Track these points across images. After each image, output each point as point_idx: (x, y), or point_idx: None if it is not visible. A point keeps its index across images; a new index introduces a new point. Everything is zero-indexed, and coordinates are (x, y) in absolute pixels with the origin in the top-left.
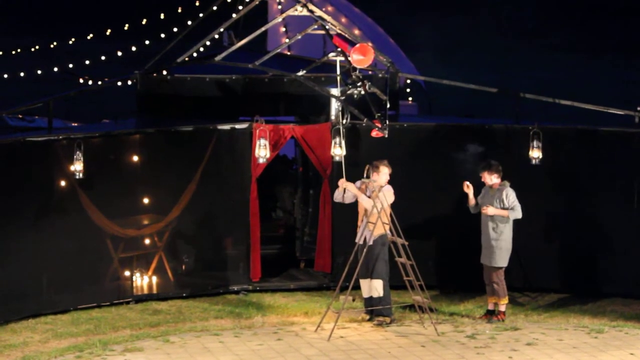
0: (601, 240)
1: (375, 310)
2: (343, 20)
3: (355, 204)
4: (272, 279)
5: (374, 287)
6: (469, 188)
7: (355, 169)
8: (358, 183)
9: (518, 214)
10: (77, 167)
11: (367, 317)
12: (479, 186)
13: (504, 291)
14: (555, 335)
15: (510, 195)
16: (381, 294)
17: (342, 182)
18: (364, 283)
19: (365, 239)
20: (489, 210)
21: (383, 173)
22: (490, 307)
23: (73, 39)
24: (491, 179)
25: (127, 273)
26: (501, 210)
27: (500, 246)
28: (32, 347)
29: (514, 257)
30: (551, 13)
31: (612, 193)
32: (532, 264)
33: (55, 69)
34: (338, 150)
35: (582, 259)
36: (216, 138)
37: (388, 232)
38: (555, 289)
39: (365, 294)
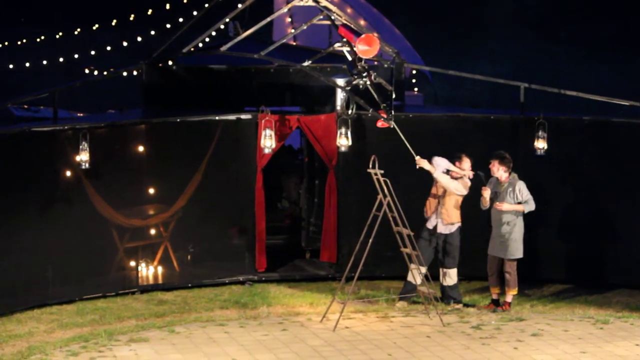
0: (607, 231)
1: (450, 296)
2: (348, 10)
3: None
4: (278, 269)
5: (451, 276)
6: (485, 191)
7: (361, 160)
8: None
9: (532, 206)
10: (83, 157)
11: (404, 303)
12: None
13: (515, 282)
14: (560, 326)
15: (523, 190)
16: (456, 281)
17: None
18: (421, 270)
19: (436, 226)
20: (504, 206)
21: (465, 162)
22: (494, 296)
23: (78, 29)
24: (499, 169)
25: (132, 263)
26: (516, 205)
27: (515, 238)
28: (37, 337)
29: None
30: (556, 5)
31: (618, 183)
32: (538, 254)
33: (61, 59)
34: (344, 141)
35: (588, 250)
36: (222, 128)
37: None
38: (561, 280)
39: (420, 282)
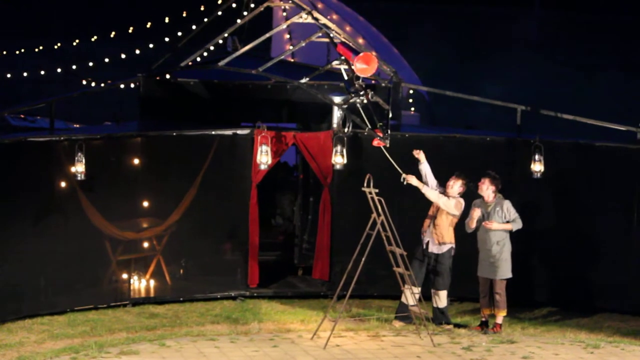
0: (600, 256)
1: (443, 319)
2: (347, 29)
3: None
4: (270, 285)
5: (440, 298)
6: (475, 211)
7: (356, 178)
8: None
9: (520, 224)
10: (78, 168)
11: (402, 324)
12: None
13: (504, 303)
14: (551, 349)
15: (510, 208)
16: (446, 304)
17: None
18: (413, 290)
19: (428, 244)
20: (494, 225)
21: (456, 182)
22: (484, 319)
23: (77, 41)
24: (489, 188)
25: (124, 276)
26: (505, 224)
27: (504, 258)
28: (27, 348)
29: (513, 270)
30: (555, 28)
31: (612, 208)
32: (530, 277)
33: (59, 70)
34: (339, 159)
35: (580, 274)
36: (218, 143)
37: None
38: (553, 303)
39: (412, 302)
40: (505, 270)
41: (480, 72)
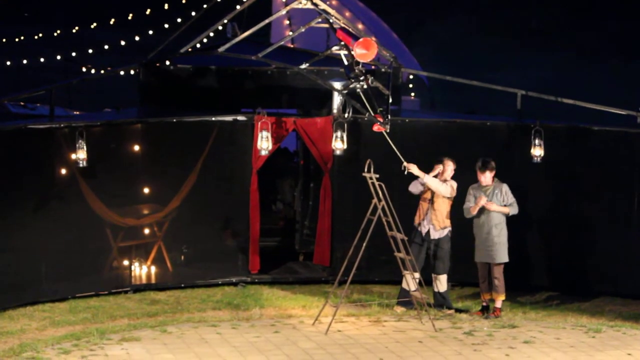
0: (600, 240)
1: (444, 303)
2: (347, 14)
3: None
4: (271, 271)
5: (441, 282)
6: (482, 198)
7: (356, 163)
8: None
9: (517, 209)
10: (79, 155)
11: (403, 309)
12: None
13: (502, 287)
14: (553, 333)
15: (508, 192)
16: (446, 289)
17: (409, 166)
18: (414, 275)
19: (429, 231)
20: (493, 207)
21: (447, 165)
22: (485, 303)
23: (77, 28)
24: (489, 176)
25: (125, 262)
26: (503, 207)
27: (501, 242)
28: (29, 335)
29: (513, 255)
30: (555, 13)
31: (612, 192)
32: (531, 262)
33: (58, 57)
34: (339, 144)
35: (581, 258)
36: (218, 129)
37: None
38: (554, 288)
39: (414, 287)
40: (503, 254)
41: (481, 58)
